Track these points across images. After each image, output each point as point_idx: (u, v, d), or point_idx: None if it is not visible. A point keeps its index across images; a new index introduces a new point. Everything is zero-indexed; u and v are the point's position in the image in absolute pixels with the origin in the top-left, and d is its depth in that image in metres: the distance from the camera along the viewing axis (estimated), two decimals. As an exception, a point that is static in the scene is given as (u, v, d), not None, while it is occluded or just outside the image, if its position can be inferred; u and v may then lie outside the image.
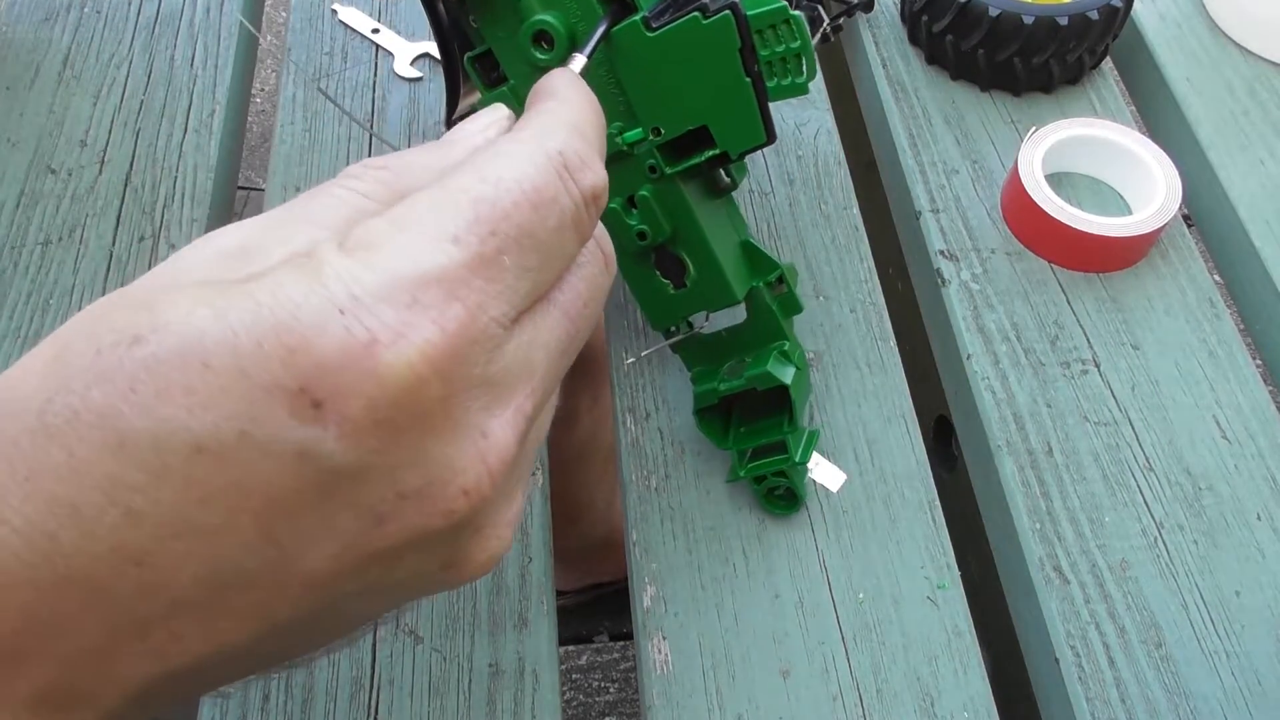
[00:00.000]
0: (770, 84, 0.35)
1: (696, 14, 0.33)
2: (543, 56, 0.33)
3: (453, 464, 0.21)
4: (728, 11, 0.33)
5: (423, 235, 0.20)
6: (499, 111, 0.26)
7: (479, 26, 0.35)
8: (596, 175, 0.23)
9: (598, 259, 0.25)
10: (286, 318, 0.19)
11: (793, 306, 0.42)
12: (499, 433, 0.21)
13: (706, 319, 0.41)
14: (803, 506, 0.42)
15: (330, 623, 0.23)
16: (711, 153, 0.36)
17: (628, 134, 0.36)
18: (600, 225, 0.25)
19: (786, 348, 0.41)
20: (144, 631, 0.20)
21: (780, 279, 0.41)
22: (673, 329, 0.41)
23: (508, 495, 0.23)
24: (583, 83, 0.26)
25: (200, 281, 0.20)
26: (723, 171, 0.39)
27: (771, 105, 0.35)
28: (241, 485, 0.19)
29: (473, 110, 0.38)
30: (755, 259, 0.40)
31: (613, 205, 0.37)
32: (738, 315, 0.41)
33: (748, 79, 0.34)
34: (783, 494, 0.42)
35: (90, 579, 0.19)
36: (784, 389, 0.40)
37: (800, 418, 0.41)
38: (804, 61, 0.35)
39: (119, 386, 0.19)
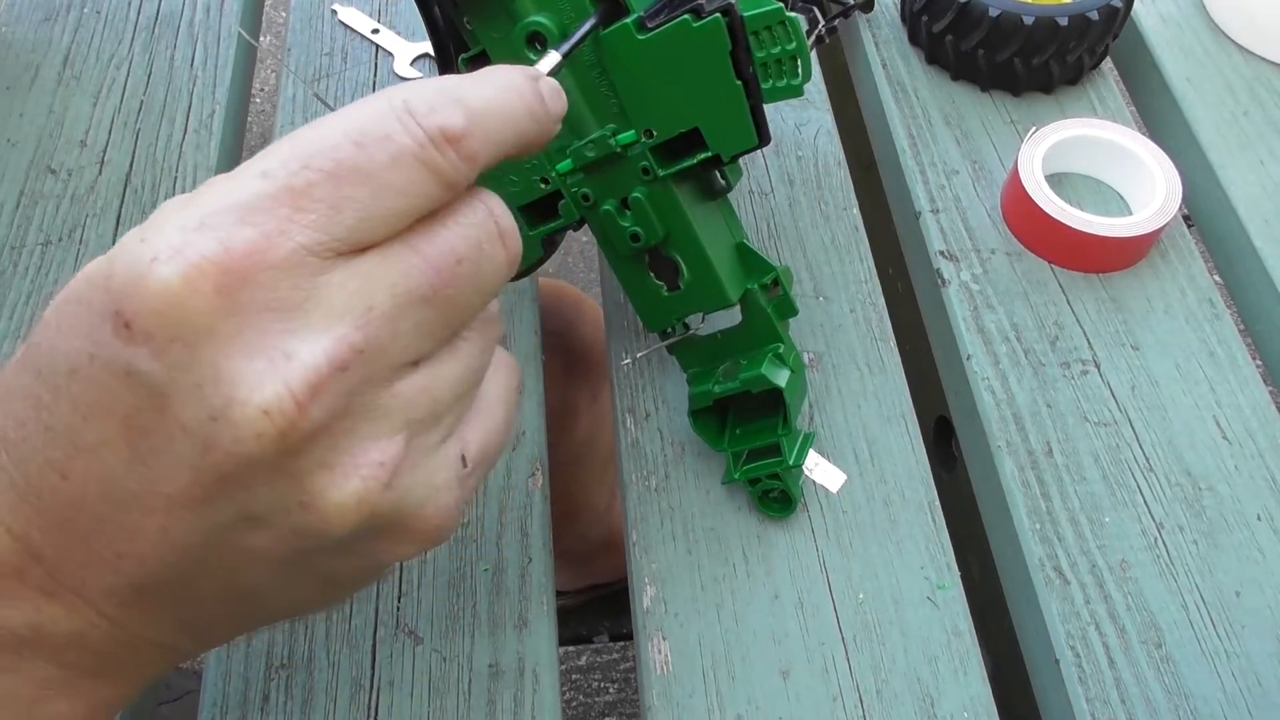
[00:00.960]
0: (765, 86, 0.35)
1: (688, 16, 0.33)
2: (535, 58, 0.33)
3: (247, 382, 0.21)
4: (718, 14, 0.33)
5: (239, 176, 0.22)
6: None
7: (473, 28, 0.35)
8: (448, 117, 0.23)
9: (487, 225, 0.25)
10: (115, 251, 0.22)
11: (788, 309, 0.41)
12: (306, 355, 0.22)
13: (702, 320, 0.41)
14: (797, 509, 0.42)
15: (245, 558, 0.24)
16: (704, 155, 0.36)
17: (621, 136, 0.36)
18: (498, 202, 0.25)
19: (781, 350, 0.41)
20: (88, 543, 0.24)
21: (775, 281, 0.41)
22: (668, 330, 0.41)
23: (361, 431, 0.23)
24: (514, 70, 0.26)
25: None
26: (717, 173, 0.39)
27: (769, 106, 0.35)
28: (101, 403, 0.22)
29: None
30: (750, 261, 0.40)
31: (606, 207, 0.37)
32: (733, 317, 0.41)
33: (739, 82, 0.34)
34: (777, 496, 0.42)
35: (40, 489, 0.23)
36: (778, 392, 0.40)
37: (794, 420, 0.41)
38: (799, 63, 0.34)
39: (44, 325, 0.23)
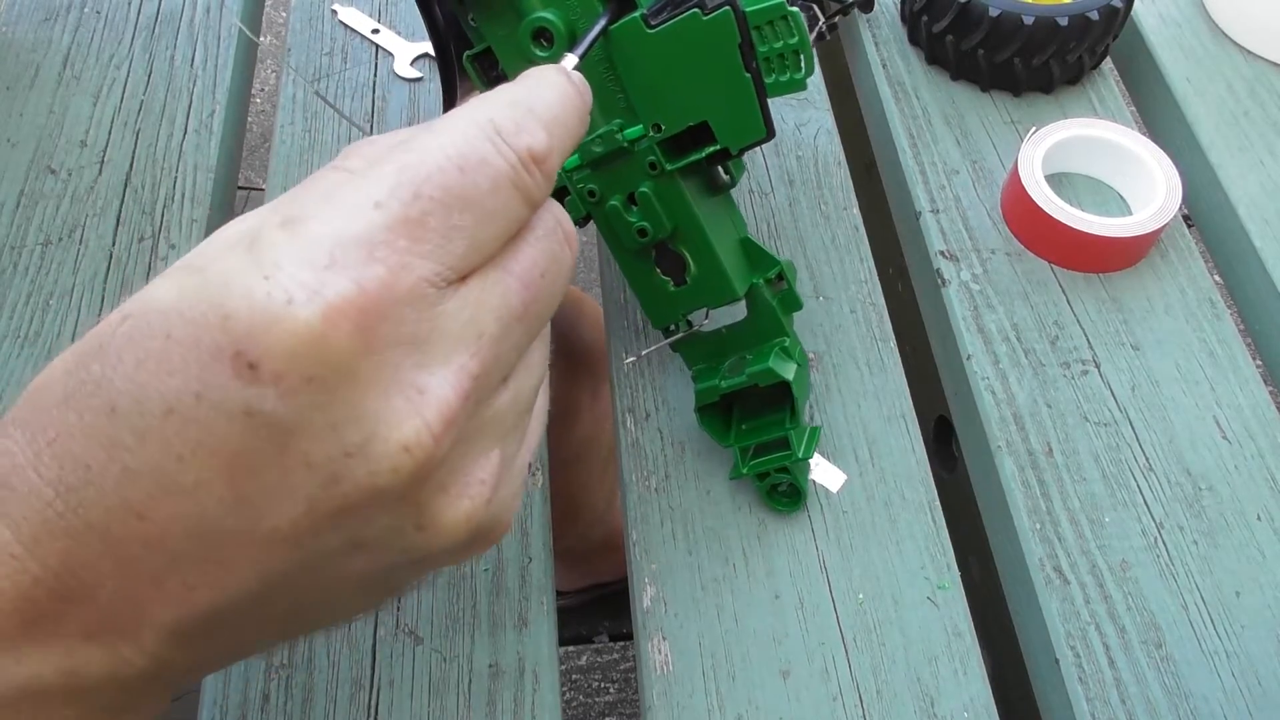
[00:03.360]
0: (769, 80, 0.35)
1: (696, 10, 0.33)
2: (542, 54, 0.33)
3: (388, 419, 0.22)
4: (727, 7, 0.33)
5: (346, 203, 0.22)
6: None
7: (478, 25, 0.35)
8: (534, 138, 0.24)
9: (557, 234, 0.25)
10: (224, 289, 0.21)
11: (792, 303, 0.42)
12: (437, 389, 0.22)
13: (706, 317, 0.41)
14: (805, 503, 0.42)
15: (331, 581, 0.24)
16: (712, 149, 0.36)
17: (628, 131, 0.36)
18: (559, 207, 0.26)
19: (787, 344, 0.41)
20: (158, 580, 0.23)
21: (780, 275, 0.41)
22: (672, 327, 0.41)
23: (471, 453, 0.24)
24: (556, 71, 0.26)
25: (185, 264, 0.22)
26: (721, 169, 0.39)
27: (770, 102, 0.35)
28: (206, 444, 0.21)
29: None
30: (755, 256, 0.41)
31: (613, 203, 0.37)
32: (737, 313, 0.41)
33: (747, 75, 0.34)
34: (785, 490, 0.42)
35: (106, 530, 0.22)
36: (785, 385, 0.40)
37: (802, 414, 0.41)
38: (802, 58, 0.35)
39: (110, 358, 0.21)
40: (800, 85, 0.35)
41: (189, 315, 0.21)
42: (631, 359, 0.47)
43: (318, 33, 0.60)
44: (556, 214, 0.26)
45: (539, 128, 0.24)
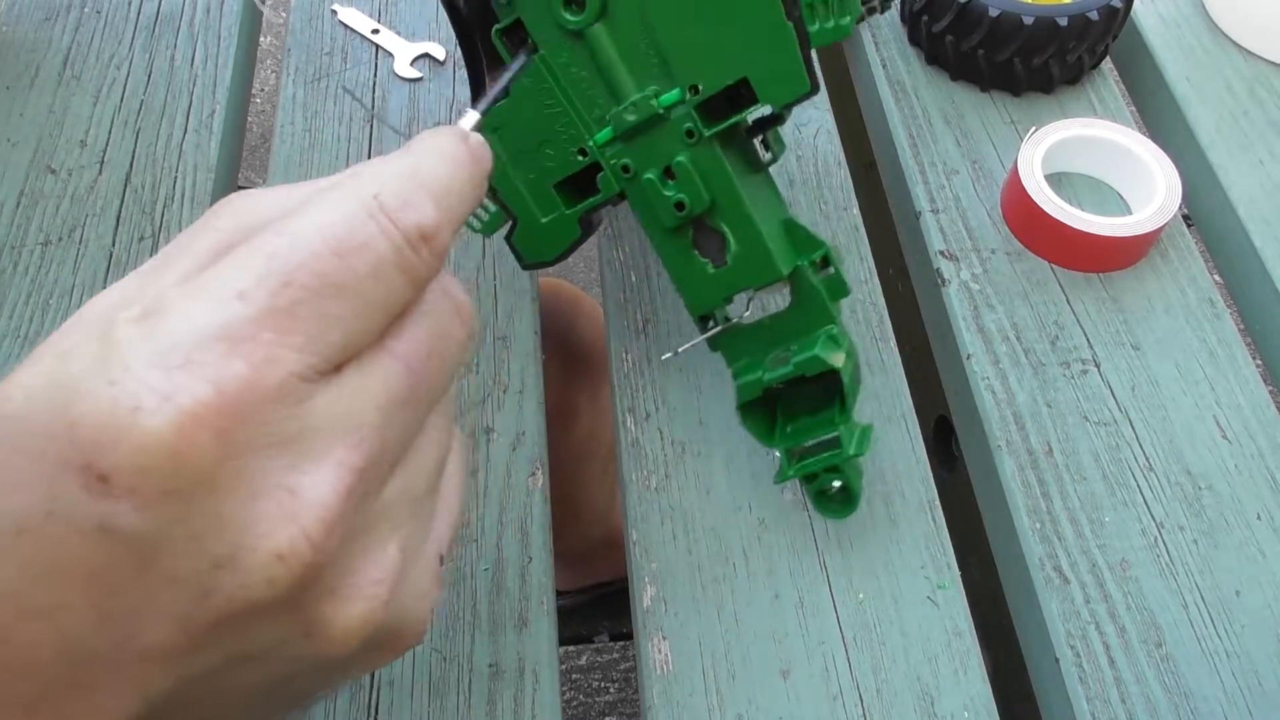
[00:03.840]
0: (811, 29, 0.33)
1: None
2: (573, 18, 0.32)
3: (256, 527, 0.20)
4: None
5: (209, 295, 0.20)
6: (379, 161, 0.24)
7: None
8: (422, 214, 0.22)
9: (446, 307, 0.24)
10: (71, 395, 0.19)
11: (840, 289, 0.38)
12: (311, 490, 0.21)
13: (747, 307, 0.38)
14: (858, 508, 0.40)
15: (226, 695, 0.23)
16: (751, 110, 0.34)
17: (664, 96, 0.34)
18: (449, 278, 0.24)
19: (835, 332, 0.38)
20: (31, 710, 0.21)
21: (825, 259, 0.38)
22: (710, 323, 0.39)
23: (363, 550, 0.22)
24: (450, 136, 0.25)
25: (39, 354, 0.20)
26: (761, 145, 0.38)
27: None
28: (61, 564, 0.19)
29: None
30: (798, 237, 0.38)
31: (649, 177, 0.36)
32: (776, 303, 0.38)
33: (789, 23, 0.32)
34: (837, 494, 0.39)
35: None
36: (834, 374, 0.37)
37: (853, 408, 0.38)
38: (846, 1, 0.33)
39: None
40: (846, 32, 0.33)
41: (34, 423, 0.19)
42: (668, 355, 0.45)
43: (317, 33, 0.60)
44: (446, 285, 0.24)
45: (428, 201, 0.23)
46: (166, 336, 0.20)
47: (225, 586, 0.20)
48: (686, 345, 0.41)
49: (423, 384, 0.23)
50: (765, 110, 0.35)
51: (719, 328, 0.39)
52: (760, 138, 0.39)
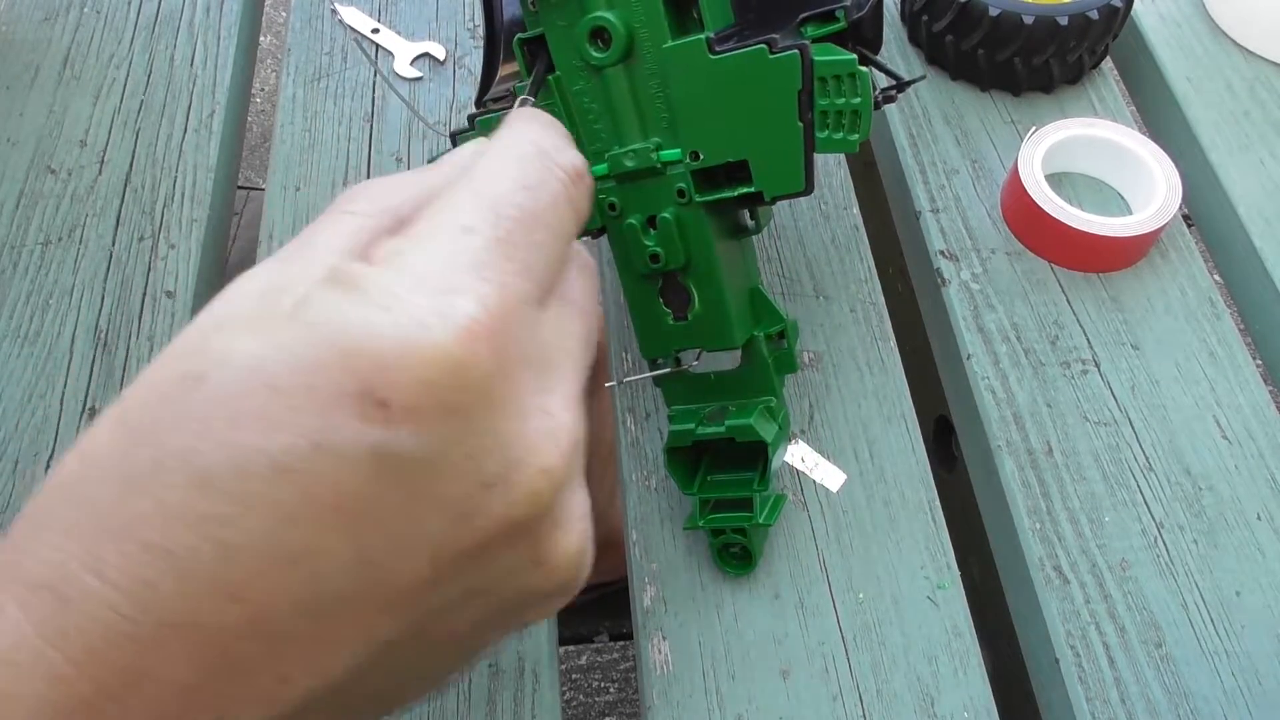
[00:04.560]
0: (820, 135, 0.34)
1: (764, 46, 0.32)
2: (598, 55, 0.32)
3: (526, 442, 0.21)
4: (796, 51, 0.32)
5: (439, 232, 0.22)
6: (482, 142, 0.27)
7: (537, 9, 0.34)
8: (574, 156, 0.25)
9: (589, 267, 0.27)
10: (339, 329, 0.19)
11: (788, 365, 0.40)
12: (561, 412, 0.22)
13: (697, 358, 0.39)
14: (754, 570, 0.41)
15: (435, 642, 0.23)
16: (745, 190, 0.35)
17: (665, 152, 0.35)
18: (579, 245, 0.27)
19: (773, 405, 0.39)
20: (249, 675, 0.20)
21: (782, 334, 0.39)
22: (660, 361, 0.40)
23: (574, 487, 0.23)
24: (541, 113, 0.28)
25: (245, 318, 0.20)
26: (748, 213, 0.38)
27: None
28: (324, 499, 0.19)
29: (511, 83, 0.38)
30: (761, 308, 0.39)
31: (632, 221, 0.36)
32: (726, 362, 0.39)
33: (800, 124, 0.33)
34: (737, 552, 0.40)
35: (192, 623, 0.19)
36: (762, 445, 0.38)
37: (771, 480, 0.40)
38: (860, 119, 0.33)
39: (192, 426, 0.19)
40: (852, 147, 0.33)
41: (295, 362, 0.19)
42: (611, 384, 0.46)
43: (317, 33, 0.60)
44: (580, 251, 0.27)
45: (572, 148, 0.25)
46: (418, 267, 0.20)
47: (492, 507, 0.20)
48: (633, 377, 0.44)
49: (593, 329, 0.25)
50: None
51: (667, 370, 0.40)
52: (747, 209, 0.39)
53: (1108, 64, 0.58)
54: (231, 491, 0.19)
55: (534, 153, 0.24)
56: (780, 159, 0.34)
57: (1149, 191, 0.49)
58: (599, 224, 0.37)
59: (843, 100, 0.33)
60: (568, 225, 0.24)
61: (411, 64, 0.58)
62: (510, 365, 0.20)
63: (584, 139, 0.36)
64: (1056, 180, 0.52)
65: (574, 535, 0.23)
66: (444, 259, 0.21)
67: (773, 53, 0.32)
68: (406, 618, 0.21)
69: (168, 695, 0.19)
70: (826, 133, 0.34)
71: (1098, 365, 0.47)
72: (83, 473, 0.20)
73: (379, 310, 0.19)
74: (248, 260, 0.58)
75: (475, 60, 0.59)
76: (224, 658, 0.19)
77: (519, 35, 0.35)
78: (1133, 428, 0.45)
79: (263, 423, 0.19)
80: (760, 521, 0.39)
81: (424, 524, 0.20)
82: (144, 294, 0.49)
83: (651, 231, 0.36)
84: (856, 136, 0.33)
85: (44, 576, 0.19)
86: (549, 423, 0.21)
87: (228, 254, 0.68)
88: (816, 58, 0.32)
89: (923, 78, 0.47)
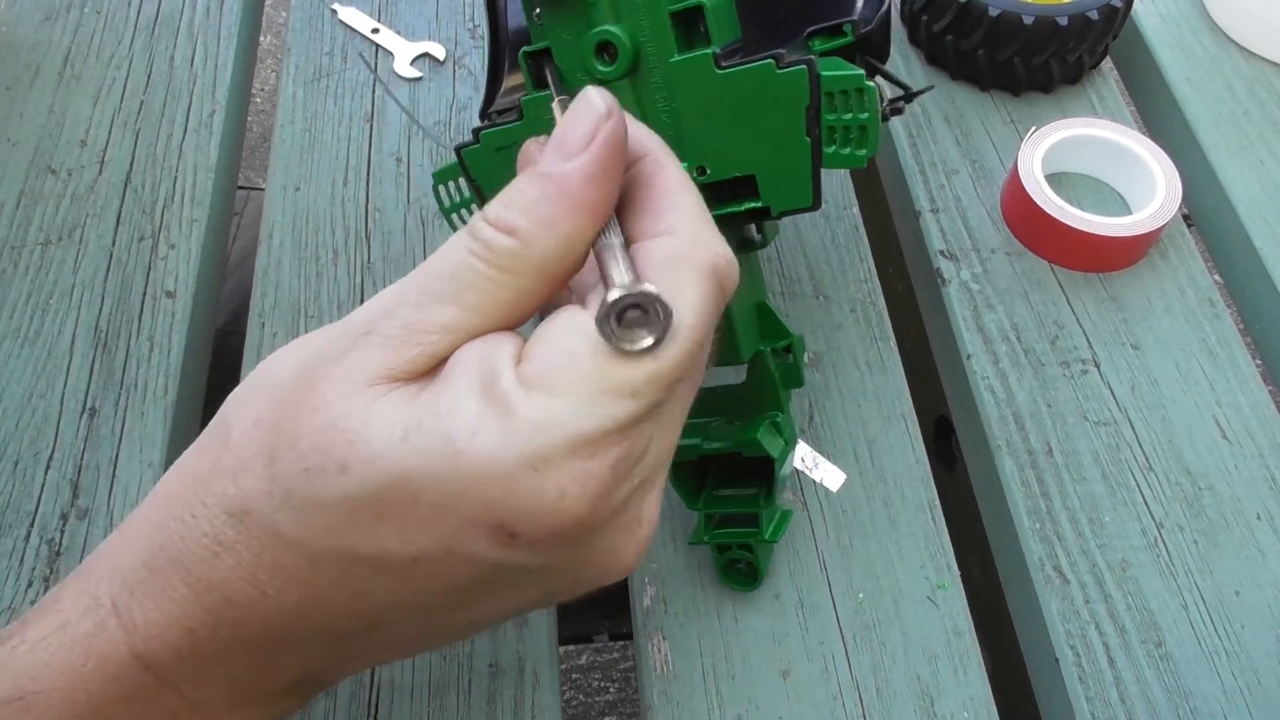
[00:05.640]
0: (827, 150, 0.33)
1: (770, 61, 0.32)
2: (604, 69, 0.32)
3: (621, 552, 0.25)
4: (803, 66, 0.32)
5: (603, 387, 0.23)
6: (595, 110, 0.25)
7: (543, 24, 0.33)
8: (736, 270, 0.26)
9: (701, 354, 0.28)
10: (487, 473, 0.22)
11: (794, 379, 0.40)
12: (649, 514, 0.26)
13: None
14: (760, 585, 0.41)
15: (500, 607, 0.27)
16: (752, 204, 0.35)
17: None
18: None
19: (780, 420, 0.39)
20: (366, 654, 0.27)
21: (788, 348, 0.39)
22: None
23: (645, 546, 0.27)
24: (639, 129, 0.27)
25: (367, 384, 0.23)
26: (754, 227, 0.38)
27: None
28: (450, 581, 0.24)
29: (517, 95, 0.37)
30: (768, 323, 0.39)
31: None
32: (732, 376, 0.39)
33: (808, 139, 0.33)
34: (743, 568, 0.40)
35: (329, 629, 0.25)
36: (768, 460, 0.38)
37: (778, 495, 0.39)
38: (867, 134, 0.33)
39: (338, 513, 0.23)
40: (860, 162, 0.33)
41: (444, 489, 0.22)
42: None
43: (317, 33, 0.60)
44: (706, 343, 0.27)
45: (727, 246, 0.26)
46: (570, 429, 0.22)
47: (576, 591, 0.26)
48: None
49: (695, 390, 0.27)
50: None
51: None
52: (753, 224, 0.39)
53: (1108, 64, 0.58)
54: (373, 566, 0.24)
55: (715, 292, 0.24)
56: (788, 174, 0.34)
57: (1149, 191, 0.49)
58: None
59: (850, 115, 0.33)
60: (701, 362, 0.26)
61: (411, 64, 0.58)
62: (620, 501, 0.24)
63: None
64: (1056, 180, 0.52)
65: (638, 554, 0.26)
66: (600, 424, 0.23)
67: (780, 67, 0.32)
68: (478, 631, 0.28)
69: (312, 659, 0.26)
70: (834, 148, 0.33)
71: (1097, 365, 0.47)
72: (239, 500, 0.24)
73: (529, 469, 0.22)
74: (248, 260, 0.58)
75: (475, 60, 0.59)
76: (351, 650, 0.26)
77: (524, 49, 0.34)
78: (1132, 428, 0.45)
79: (407, 525, 0.23)
80: (766, 538, 0.39)
81: (520, 595, 0.26)
82: (144, 294, 0.49)
83: None
84: (864, 152, 0.33)
85: (214, 584, 0.25)
86: (640, 531, 0.25)
87: (228, 254, 0.68)
88: (824, 73, 0.32)
89: (931, 88, 0.46)
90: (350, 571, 0.24)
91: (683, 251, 0.24)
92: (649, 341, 0.23)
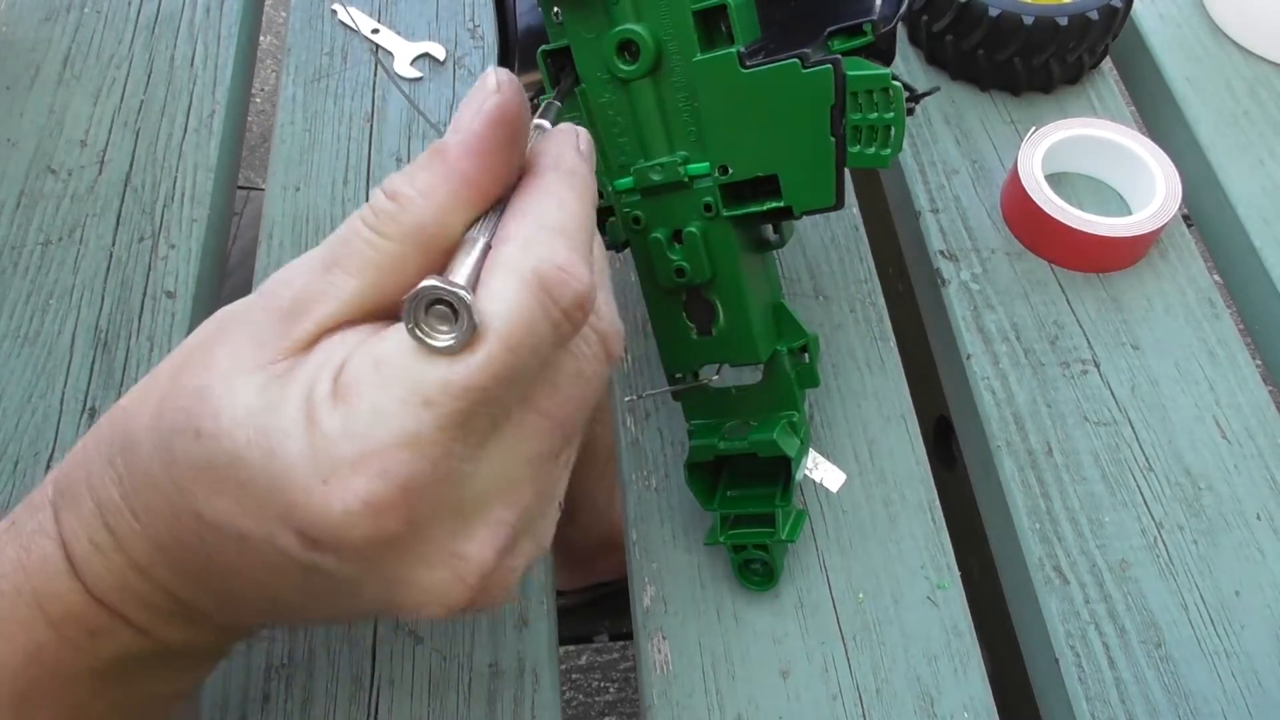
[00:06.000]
0: (852, 150, 0.33)
1: (796, 61, 0.32)
2: (626, 67, 0.32)
3: (433, 589, 0.25)
4: (829, 65, 0.31)
5: (397, 395, 0.23)
6: (486, 85, 0.25)
7: (563, 22, 0.33)
8: (580, 284, 0.24)
9: (590, 350, 0.26)
10: (287, 477, 0.23)
11: (810, 379, 0.40)
12: (474, 553, 0.25)
13: (717, 373, 0.39)
14: (776, 585, 0.41)
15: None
16: (774, 204, 0.34)
17: (692, 166, 0.34)
18: (608, 319, 0.26)
19: (796, 420, 0.39)
20: (251, 611, 0.29)
21: (804, 348, 0.39)
22: (678, 375, 0.39)
23: (503, 570, 0.26)
24: (576, 157, 0.27)
25: (251, 353, 0.24)
26: (771, 227, 0.38)
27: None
28: (277, 567, 0.25)
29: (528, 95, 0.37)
30: (784, 323, 0.39)
31: (657, 235, 0.36)
32: (747, 376, 0.39)
33: (832, 138, 0.33)
34: (759, 569, 0.40)
35: (198, 579, 0.27)
36: (784, 460, 0.38)
37: (793, 495, 0.39)
38: (892, 133, 0.33)
39: (187, 474, 0.24)
40: (884, 162, 0.33)
41: (258, 481, 0.23)
42: (630, 398, 0.46)
43: (317, 33, 0.60)
44: (593, 321, 0.26)
45: (581, 263, 0.24)
46: (363, 440, 0.23)
47: (400, 612, 0.26)
48: (652, 391, 0.44)
49: (568, 431, 0.26)
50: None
51: (688, 384, 0.39)
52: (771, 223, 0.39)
53: (1107, 64, 0.58)
54: (212, 530, 0.25)
55: (535, 298, 0.23)
56: (811, 174, 0.33)
57: (1149, 191, 0.49)
58: (623, 238, 0.37)
59: (875, 115, 0.33)
60: (550, 364, 0.25)
61: (411, 64, 0.58)
62: (421, 525, 0.24)
63: (608, 152, 0.35)
64: (1056, 180, 0.52)
65: (496, 596, 0.26)
66: (391, 433, 0.23)
67: (805, 67, 0.32)
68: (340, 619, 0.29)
69: (187, 599, 0.28)
70: (858, 148, 0.33)
71: (1097, 365, 0.47)
72: (133, 435, 0.26)
73: (319, 481, 0.23)
74: (248, 260, 0.58)
75: (475, 60, 0.59)
76: (206, 602, 0.28)
77: (543, 48, 0.34)
78: (1132, 428, 0.45)
79: (235, 505, 0.24)
80: (783, 537, 0.38)
81: (341, 601, 0.26)
82: (144, 294, 0.49)
83: (677, 246, 0.36)
84: (888, 152, 0.33)
85: (93, 510, 0.27)
86: (460, 566, 0.25)
87: (228, 254, 0.68)
88: (849, 72, 0.32)
89: (937, 89, 0.47)
90: (199, 531, 0.25)
91: (507, 257, 0.24)
92: (449, 340, 0.22)
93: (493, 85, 0.25)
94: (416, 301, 0.22)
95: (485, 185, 0.25)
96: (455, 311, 0.22)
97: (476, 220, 0.25)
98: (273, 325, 0.25)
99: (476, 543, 0.25)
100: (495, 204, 0.26)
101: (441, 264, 0.25)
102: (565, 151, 0.27)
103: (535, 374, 0.24)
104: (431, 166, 0.24)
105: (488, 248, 0.24)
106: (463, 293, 0.22)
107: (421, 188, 0.24)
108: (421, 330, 0.23)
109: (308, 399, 0.23)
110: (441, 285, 0.22)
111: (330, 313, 0.24)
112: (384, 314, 0.25)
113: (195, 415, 0.24)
